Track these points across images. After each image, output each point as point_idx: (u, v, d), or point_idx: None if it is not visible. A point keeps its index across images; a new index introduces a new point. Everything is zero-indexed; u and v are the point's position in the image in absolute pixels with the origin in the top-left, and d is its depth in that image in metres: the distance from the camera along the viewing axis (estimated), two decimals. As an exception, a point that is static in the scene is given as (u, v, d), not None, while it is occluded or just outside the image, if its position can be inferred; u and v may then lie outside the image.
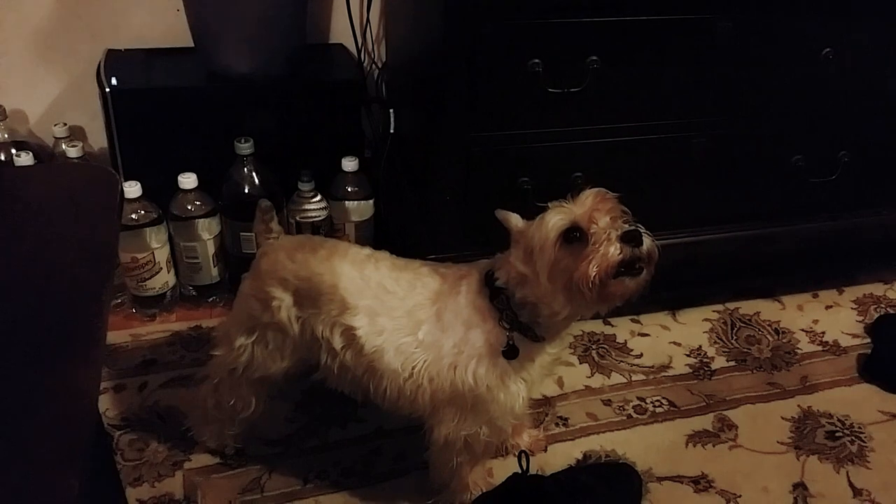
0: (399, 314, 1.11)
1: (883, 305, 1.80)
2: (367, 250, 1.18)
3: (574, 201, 1.02)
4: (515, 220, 1.08)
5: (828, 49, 1.46)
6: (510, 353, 1.07)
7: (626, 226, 0.98)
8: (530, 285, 1.04)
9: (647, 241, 0.99)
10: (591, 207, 1.00)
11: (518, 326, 1.07)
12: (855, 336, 1.70)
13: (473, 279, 1.11)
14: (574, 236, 0.99)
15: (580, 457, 1.36)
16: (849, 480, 1.34)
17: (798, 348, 1.65)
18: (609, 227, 0.98)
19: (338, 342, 1.12)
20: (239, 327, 1.19)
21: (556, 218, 1.01)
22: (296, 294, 1.14)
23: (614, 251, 0.97)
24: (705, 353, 1.62)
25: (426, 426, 1.17)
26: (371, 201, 1.70)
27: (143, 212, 1.52)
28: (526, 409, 1.20)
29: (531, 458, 1.20)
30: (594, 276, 0.97)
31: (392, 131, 1.69)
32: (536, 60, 1.31)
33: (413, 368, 1.10)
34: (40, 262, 0.74)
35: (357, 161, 1.64)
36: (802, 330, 1.71)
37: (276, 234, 1.22)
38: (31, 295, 0.69)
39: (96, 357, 0.65)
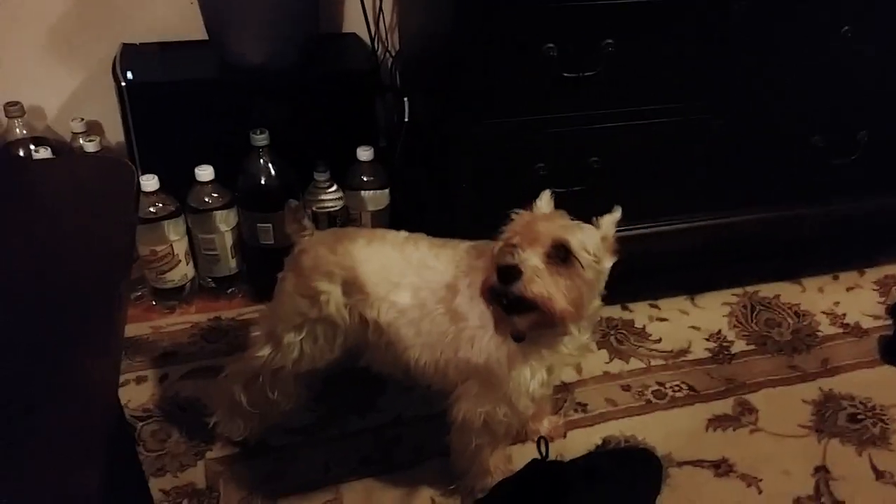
0: (437, 286, 1.13)
1: (905, 286, 1.78)
2: (404, 233, 1.20)
3: (537, 214, 1.04)
4: (541, 204, 1.09)
5: (846, 27, 1.44)
6: (516, 335, 1.07)
7: (511, 260, 0.96)
8: None
9: (527, 284, 0.95)
10: (524, 228, 1.00)
11: None
12: (876, 318, 1.68)
13: None
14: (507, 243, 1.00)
15: (599, 442, 1.36)
16: (871, 463, 1.33)
17: (819, 331, 1.64)
18: (510, 252, 0.97)
19: (384, 319, 1.14)
20: (286, 325, 1.19)
21: (510, 223, 1.03)
22: (343, 284, 1.16)
23: (489, 276, 0.98)
24: (725, 337, 1.61)
25: (447, 404, 1.18)
26: (387, 190, 1.69)
27: (160, 205, 1.53)
28: (545, 394, 1.20)
29: (550, 443, 1.20)
30: (479, 292, 1.01)
31: (407, 120, 1.68)
32: (551, 45, 1.30)
33: (445, 340, 1.12)
34: (58, 254, 0.75)
35: (372, 150, 1.63)
36: (823, 312, 1.69)
37: (310, 231, 1.23)
38: (50, 287, 0.70)
39: (115, 348, 0.65)
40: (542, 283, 0.96)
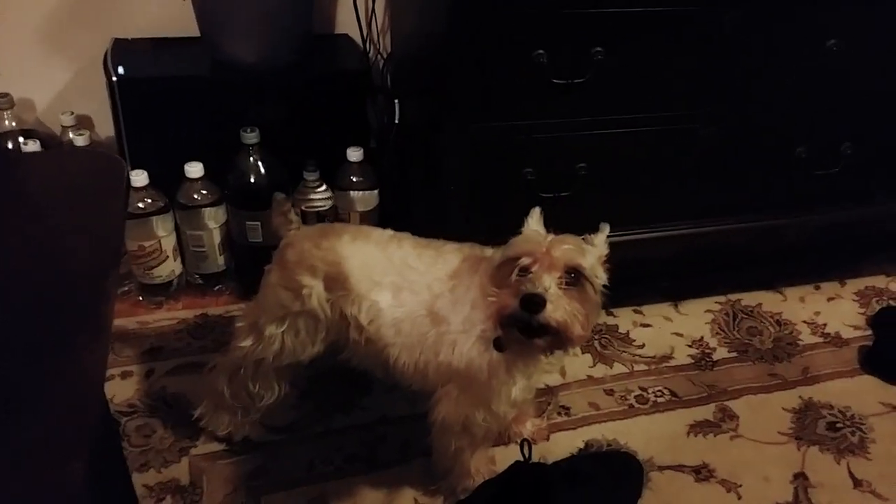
0: (419, 288, 1.13)
1: (885, 297, 1.80)
2: (389, 232, 1.21)
3: (550, 236, 1.02)
4: (531, 222, 1.09)
5: (833, 40, 1.46)
6: (497, 344, 1.08)
7: (536, 289, 0.96)
8: None
9: (550, 313, 0.96)
10: (543, 252, 0.99)
11: None
12: (856, 328, 1.71)
13: (492, 262, 1.12)
14: (517, 265, 1.00)
15: (582, 446, 1.37)
16: (849, 471, 1.35)
17: (800, 340, 1.66)
18: (531, 279, 0.97)
19: (364, 317, 1.15)
20: (268, 317, 1.20)
21: (514, 245, 1.03)
22: (326, 279, 1.16)
23: (509, 304, 0.98)
24: (707, 344, 1.63)
25: (429, 406, 1.18)
26: (376, 191, 1.70)
27: (149, 200, 1.53)
28: (525, 398, 1.21)
29: (533, 446, 1.21)
30: (487, 317, 1.01)
31: (397, 121, 1.69)
32: (541, 51, 1.31)
33: (425, 342, 1.13)
34: (46, 248, 0.75)
35: (362, 151, 1.64)
36: (804, 321, 1.71)
37: (296, 225, 1.24)
38: (37, 282, 0.70)
39: (102, 343, 0.65)
40: (563, 311, 0.97)
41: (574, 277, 0.99)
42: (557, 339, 0.99)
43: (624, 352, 1.60)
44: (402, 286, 1.14)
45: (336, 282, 1.16)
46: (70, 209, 0.82)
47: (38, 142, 1.58)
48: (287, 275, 1.18)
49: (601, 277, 1.04)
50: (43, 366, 0.60)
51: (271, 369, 1.24)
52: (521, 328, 0.98)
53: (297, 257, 1.18)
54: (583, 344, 1.04)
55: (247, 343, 1.23)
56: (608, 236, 1.09)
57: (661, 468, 1.33)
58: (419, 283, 1.14)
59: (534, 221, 1.09)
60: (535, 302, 0.96)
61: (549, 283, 0.97)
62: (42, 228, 0.78)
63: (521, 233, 1.07)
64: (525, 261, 0.99)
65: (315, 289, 1.16)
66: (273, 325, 1.20)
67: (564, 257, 0.99)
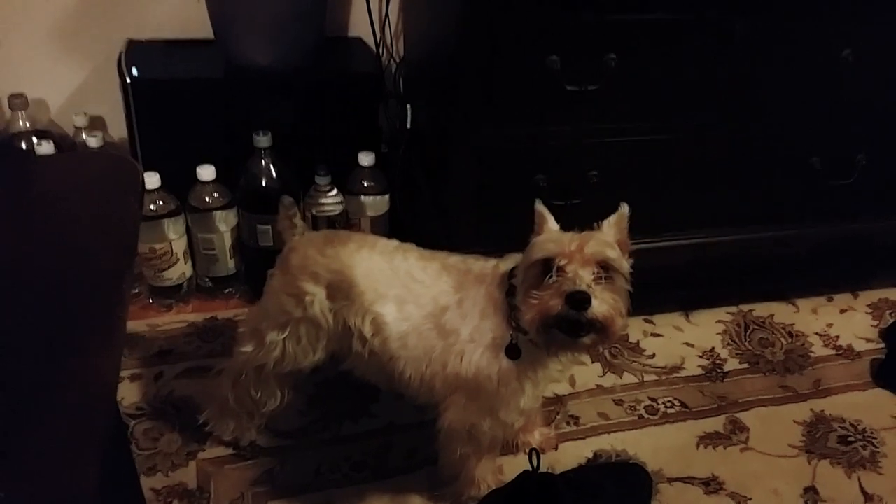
0: (425, 301, 1.13)
1: (898, 310, 1.79)
2: (394, 242, 1.20)
3: (573, 234, 1.01)
4: (549, 223, 1.07)
5: (847, 50, 1.45)
6: (511, 351, 1.08)
7: (580, 286, 0.95)
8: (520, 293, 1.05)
9: (596, 308, 0.95)
10: (574, 250, 0.98)
11: (521, 328, 1.07)
12: (869, 341, 1.69)
13: (498, 272, 1.12)
14: (550, 269, 0.98)
15: (591, 456, 1.37)
16: (860, 485, 1.34)
17: (811, 352, 1.65)
18: (571, 278, 0.96)
19: (368, 330, 1.14)
20: (270, 323, 1.19)
21: (541, 246, 1.01)
22: (328, 287, 1.15)
23: (554, 304, 0.96)
24: (718, 355, 1.62)
25: (436, 414, 1.18)
26: (387, 196, 1.70)
27: (161, 202, 1.53)
28: (533, 406, 1.21)
29: (542, 456, 1.20)
30: (530, 320, 0.98)
31: (409, 126, 1.69)
32: (554, 57, 1.31)
33: (432, 355, 1.12)
34: (61, 250, 0.75)
35: (374, 156, 1.64)
36: (816, 333, 1.70)
37: (301, 230, 1.23)
38: (52, 283, 0.70)
39: (116, 345, 0.65)
40: (607, 305, 0.96)
41: (604, 271, 0.99)
42: (602, 333, 0.98)
43: (634, 361, 1.59)
44: (407, 299, 1.13)
45: (339, 291, 1.15)
46: (86, 211, 0.82)
47: (51, 142, 1.58)
48: (290, 280, 1.18)
49: (626, 266, 1.03)
50: (57, 368, 0.60)
51: (272, 376, 1.23)
52: (568, 327, 0.97)
53: (300, 263, 1.17)
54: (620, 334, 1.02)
55: (248, 348, 1.22)
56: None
57: (670, 480, 1.33)
58: (425, 297, 1.13)
59: (544, 213, 1.08)
60: (581, 299, 0.95)
61: (589, 279, 0.97)
62: (57, 230, 0.78)
63: (535, 232, 1.07)
64: (561, 261, 0.98)
65: (317, 296, 1.16)
66: (274, 331, 1.19)
67: (596, 252, 0.98)
